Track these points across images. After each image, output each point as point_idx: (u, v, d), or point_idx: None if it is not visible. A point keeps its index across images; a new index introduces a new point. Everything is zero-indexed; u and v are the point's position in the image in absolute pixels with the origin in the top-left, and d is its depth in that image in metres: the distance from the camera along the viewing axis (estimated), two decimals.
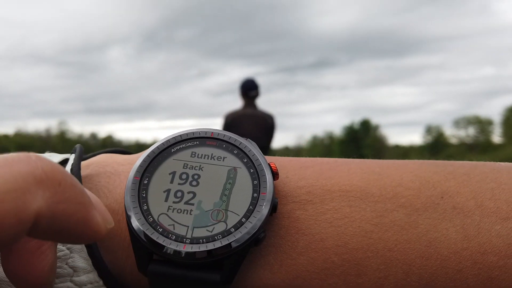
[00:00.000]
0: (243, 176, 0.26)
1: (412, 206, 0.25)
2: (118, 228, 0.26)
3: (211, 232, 0.24)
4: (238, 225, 0.24)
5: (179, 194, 0.25)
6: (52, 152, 0.32)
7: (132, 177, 0.25)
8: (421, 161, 0.28)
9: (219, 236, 0.23)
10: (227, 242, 0.23)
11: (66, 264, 0.26)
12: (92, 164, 0.30)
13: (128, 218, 0.24)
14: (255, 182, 0.25)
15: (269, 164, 0.26)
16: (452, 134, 42.34)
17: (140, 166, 0.26)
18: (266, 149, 3.50)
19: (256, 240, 0.24)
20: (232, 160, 0.26)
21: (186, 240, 0.23)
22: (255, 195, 0.25)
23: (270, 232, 0.25)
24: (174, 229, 0.24)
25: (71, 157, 0.29)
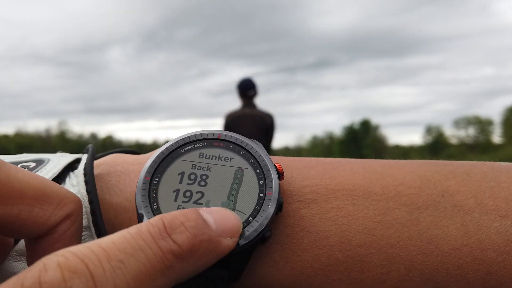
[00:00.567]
0: (250, 177, 0.26)
1: (413, 204, 0.25)
2: (129, 225, 0.27)
3: None
4: (245, 223, 0.24)
5: (188, 194, 0.26)
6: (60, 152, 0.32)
7: (142, 177, 0.26)
8: (422, 160, 0.29)
9: None
10: None
11: None
12: (102, 164, 0.31)
13: (139, 217, 0.25)
14: (261, 182, 0.26)
15: (274, 165, 0.27)
16: (452, 134, 42.31)
17: (150, 166, 0.27)
18: (266, 149, 3.46)
19: (262, 238, 0.25)
20: (239, 161, 0.27)
21: None
22: (262, 194, 0.26)
23: (276, 230, 0.26)
24: None
25: (84, 157, 0.31)
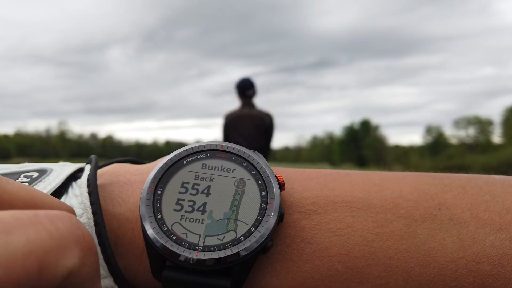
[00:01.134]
0: (252, 188, 0.27)
1: (411, 217, 0.26)
2: (132, 236, 0.28)
3: (222, 240, 0.25)
4: (247, 234, 0.25)
5: (191, 204, 0.26)
6: (54, 157, 0.37)
7: (147, 188, 0.27)
8: (419, 173, 0.29)
9: (229, 245, 0.24)
10: (237, 250, 0.24)
11: None
12: (105, 174, 0.31)
13: (143, 227, 0.25)
14: (263, 193, 0.26)
15: (276, 176, 0.27)
16: (452, 134, 42.29)
17: (154, 177, 0.27)
18: (265, 149, 3.44)
19: (264, 248, 0.25)
20: (241, 172, 0.28)
21: (198, 248, 0.24)
22: (263, 205, 0.26)
23: (277, 241, 0.26)
24: (187, 237, 0.25)
25: (87, 167, 0.31)
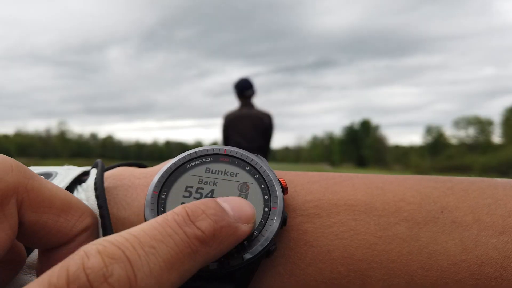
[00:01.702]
0: (255, 191, 0.27)
1: (413, 220, 0.26)
2: None
3: None
4: (251, 237, 0.25)
5: None
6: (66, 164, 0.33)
7: (151, 192, 0.27)
8: (421, 176, 0.30)
9: (233, 249, 0.24)
10: (240, 255, 0.24)
11: None
12: (110, 177, 0.31)
13: None
14: (266, 197, 0.27)
15: (279, 180, 0.28)
16: (452, 134, 42.27)
17: (158, 181, 0.27)
18: (264, 149, 3.43)
19: (267, 252, 0.25)
20: (244, 176, 0.28)
21: None
22: (266, 209, 0.26)
23: (280, 244, 0.27)
24: None
25: (93, 171, 0.31)
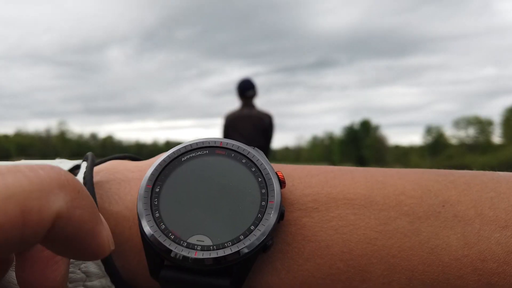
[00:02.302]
0: (252, 185, 0.26)
1: (414, 214, 0.25)
2: (129, 234, 0.27)
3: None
4: (247, 232, 0.24)
5: (190, 201, 0.26)
6: (56, 156, 0.33)
7: (144, 185, 0.26)
8: (422, 170, 0.29)
9: (229, 243, 0.24)
10: (236, 249, 0.24)
11: (79, 269, 0.26)
12: (102, 171, 0.30)
13: (140, 225, 0.25)
14: (263, 190, 0.26)
15: (276, 173, 0.27)
16: (452, 134, 42.24)
17: (152, 174, 0.26)
18: (264, 149, 3.45)
19: (264, 247, 0.24)
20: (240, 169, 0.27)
21: (197, 247, 0.24)
22: (263, 203, 0.25)
23: (277, 239, 0.26)
24: None
25: (83, 164, 0.30)
